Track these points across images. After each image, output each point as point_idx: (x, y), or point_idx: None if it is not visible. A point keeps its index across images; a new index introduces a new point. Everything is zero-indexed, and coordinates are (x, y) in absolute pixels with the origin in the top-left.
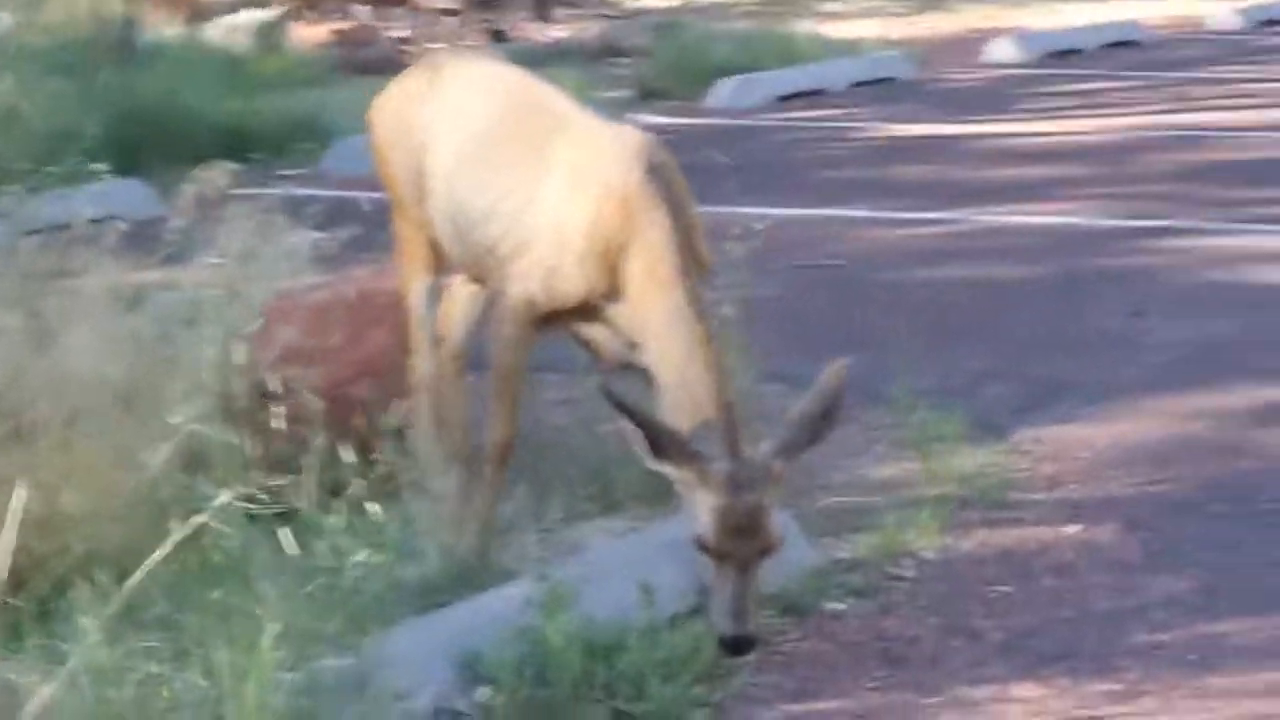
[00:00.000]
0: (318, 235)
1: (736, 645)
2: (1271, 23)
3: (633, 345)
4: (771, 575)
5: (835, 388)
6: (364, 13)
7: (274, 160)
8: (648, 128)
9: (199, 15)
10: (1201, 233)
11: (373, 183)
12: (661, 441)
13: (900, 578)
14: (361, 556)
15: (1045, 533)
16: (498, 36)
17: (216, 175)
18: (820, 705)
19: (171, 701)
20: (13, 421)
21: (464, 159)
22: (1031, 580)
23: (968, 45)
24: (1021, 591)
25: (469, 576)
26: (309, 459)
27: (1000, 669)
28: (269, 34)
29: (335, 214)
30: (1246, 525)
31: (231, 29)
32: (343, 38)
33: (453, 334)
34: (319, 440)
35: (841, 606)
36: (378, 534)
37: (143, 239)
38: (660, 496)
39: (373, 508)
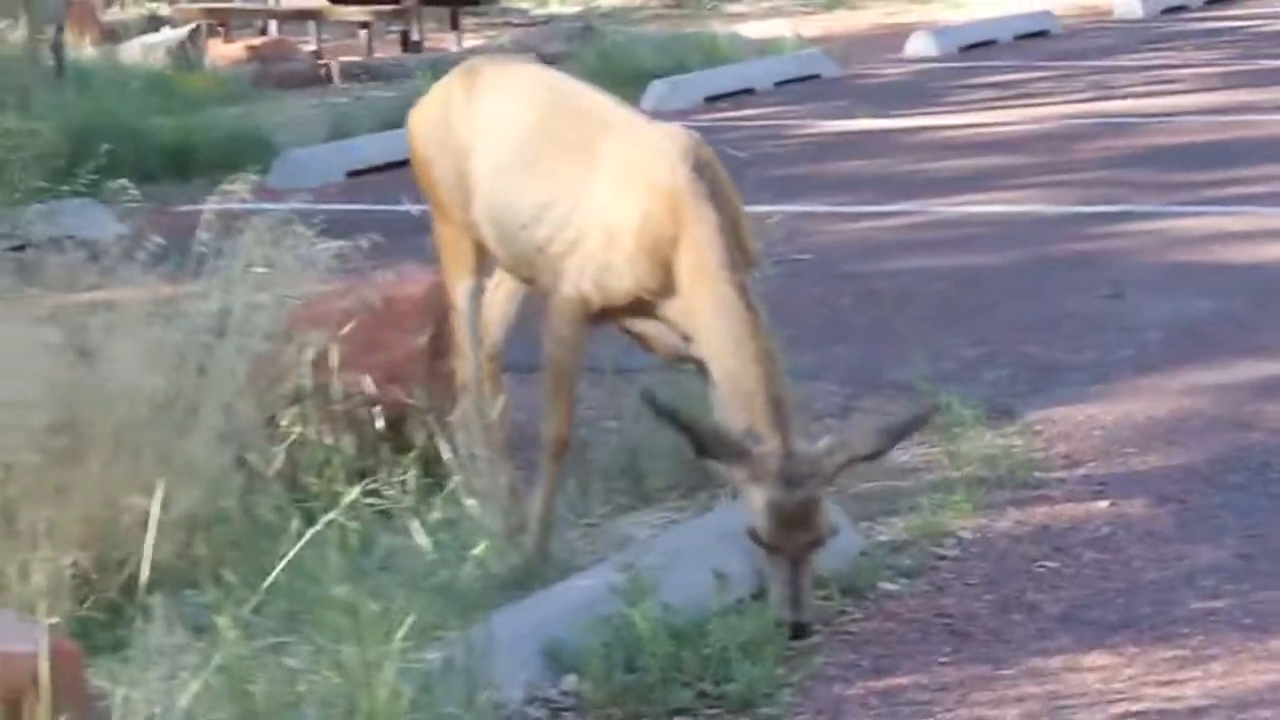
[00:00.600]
0: (337, 244)
1: (795, 631)
2: (1171, 10)
3: (685, 339)
4: (825, 559)
5: (916, 419)
6: (275, 28)
7: (219, 176)
8: None
9: (109, 36)
10: (1158, 216)
11: (323, 194)
12: (707, 442)
13: (944, 557)
14: (479, 549)
15: (1076, 509)
16: (411, 47)
17: (238, 187)
18: (897, 680)
19: (308, 695)
20: (68, 435)
21: (509, 162)
22: (1073, 555)
23: (884, 41)
24: (1067, 566)
25: (529, 571)
26: (408, 457)
27: (1065, 640)
28: (185, 52)
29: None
30: (1268, 496)
31: (147, 48)
32: (259, 53)
33: (490, 335)
34: (418, 435)
35: (895, 587)
36: (456, 529)
37: (117, 256)
38: (693, 488)
39: (470, 503)
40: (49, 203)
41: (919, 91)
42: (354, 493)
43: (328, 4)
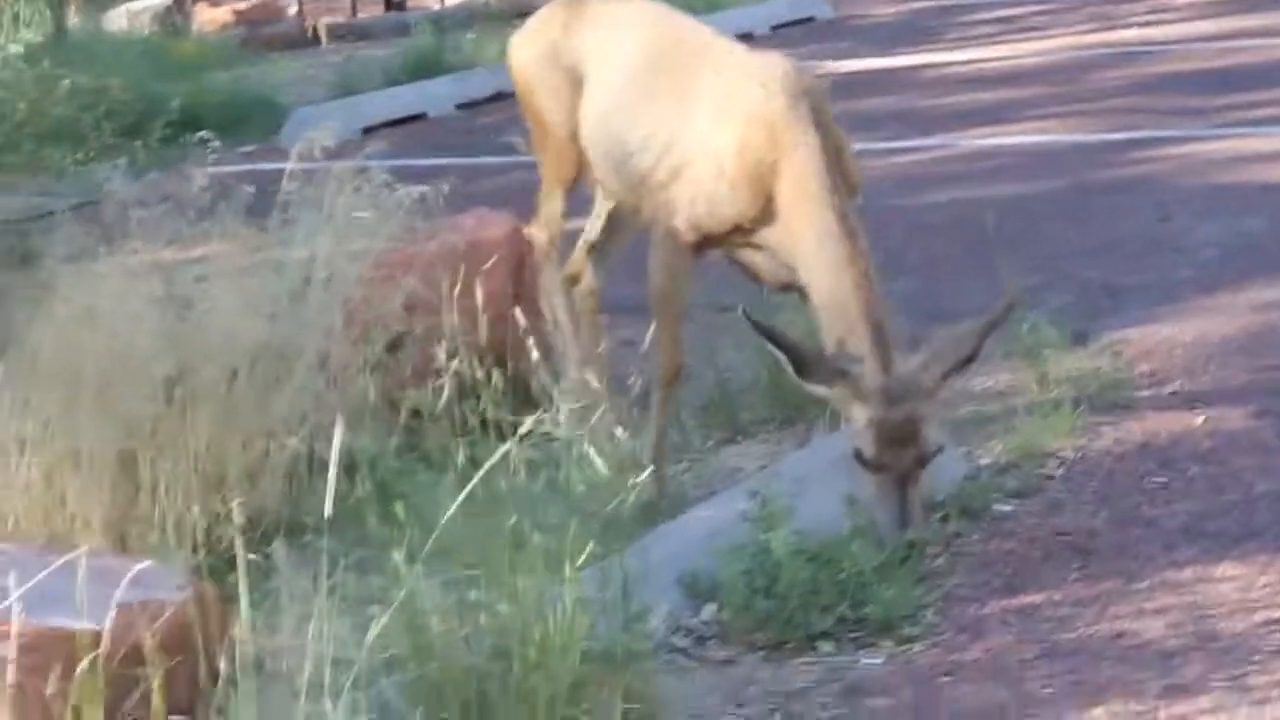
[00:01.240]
0: (417, 190)
1: (909, 550)
2: None
3: (787, 266)
4: (932, 482)
5: (1001, 313)
6: None
7: (231, 138)
8: None
9: (95, 3)
10: (1186, 140)
11: (337, 153)
12: (807, 362)
13: (1051, 477)
14: (641, 478)
15: (1172, 425)
16: (394, 6)
17: (323, 136)
18: (1031, 598)
19: (488, 627)
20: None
21: (617, 91)
22: (1180, 470)
23: None
24: (1176, 480)
25: (650, 503)
26: (559, 391)
27: (1191, 552)
28: (172, 17)
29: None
30: None
31: (133, 14)
32: (246, 17)
33: (585, 272)
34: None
35: (1009, 507)
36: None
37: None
38: (786, 420)
39: (620, 431)
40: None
41: (918, 29)
42: (529, 423)
43: None
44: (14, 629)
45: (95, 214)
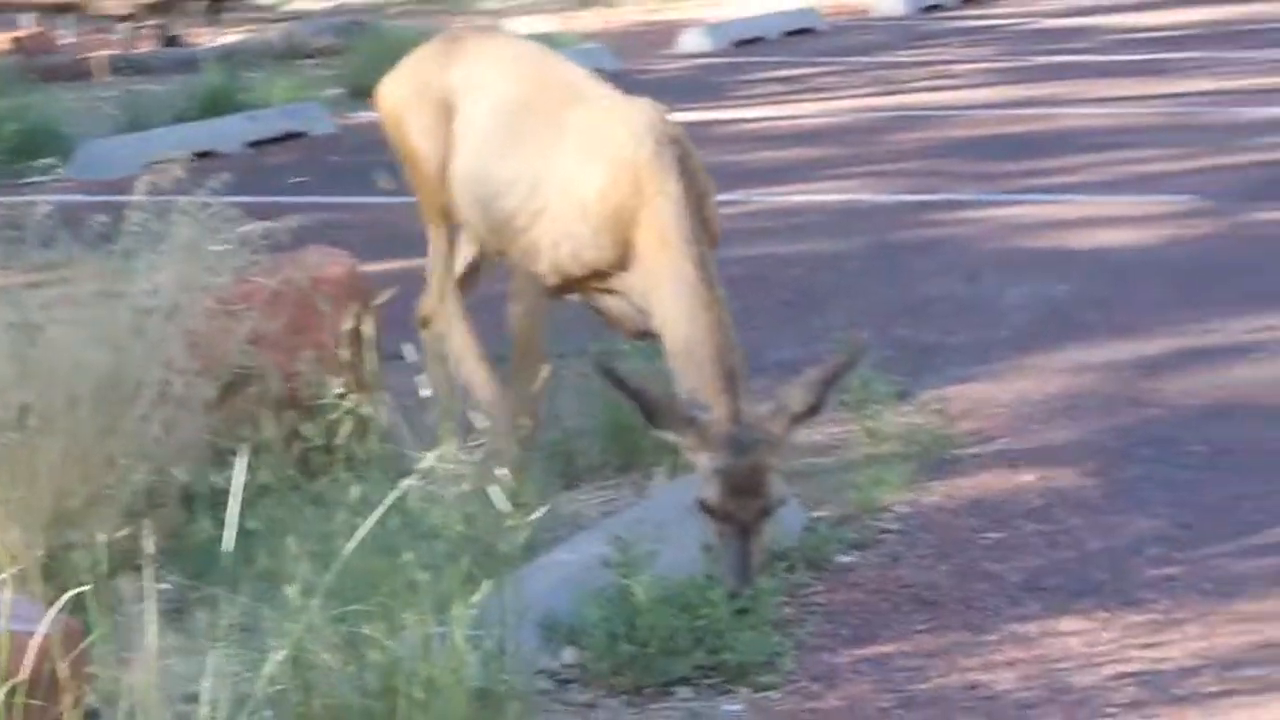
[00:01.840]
0: (265, 225)
1: (748, 602)
2: (929, 8)
3: (644, 313)
4: (777, 532)
5: (847, 362)
6: (31, 20)
7: (16, 168)
8: (372, 126)
9: None
10: (984, 204)
11: (121, 187)
12: (656, 410)
13: (888, 530)
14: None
15: (1001, 482)
16: (171, 42)
17: (173, 169)
18: (881, 648)
19: (375, 665)
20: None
21: (484, 131)
22: (1014, 526)
23: (653, 37)
24: (1011, 536)
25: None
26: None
27: (1035, 607)
28: None
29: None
30: (1184, 468)
31: None
32: (22, 46)
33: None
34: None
35: (850, 559)
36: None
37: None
38: (623, 466)
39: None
40: None
41: (704, 86)
42: (430, 458)
43: None
44: None
45: None
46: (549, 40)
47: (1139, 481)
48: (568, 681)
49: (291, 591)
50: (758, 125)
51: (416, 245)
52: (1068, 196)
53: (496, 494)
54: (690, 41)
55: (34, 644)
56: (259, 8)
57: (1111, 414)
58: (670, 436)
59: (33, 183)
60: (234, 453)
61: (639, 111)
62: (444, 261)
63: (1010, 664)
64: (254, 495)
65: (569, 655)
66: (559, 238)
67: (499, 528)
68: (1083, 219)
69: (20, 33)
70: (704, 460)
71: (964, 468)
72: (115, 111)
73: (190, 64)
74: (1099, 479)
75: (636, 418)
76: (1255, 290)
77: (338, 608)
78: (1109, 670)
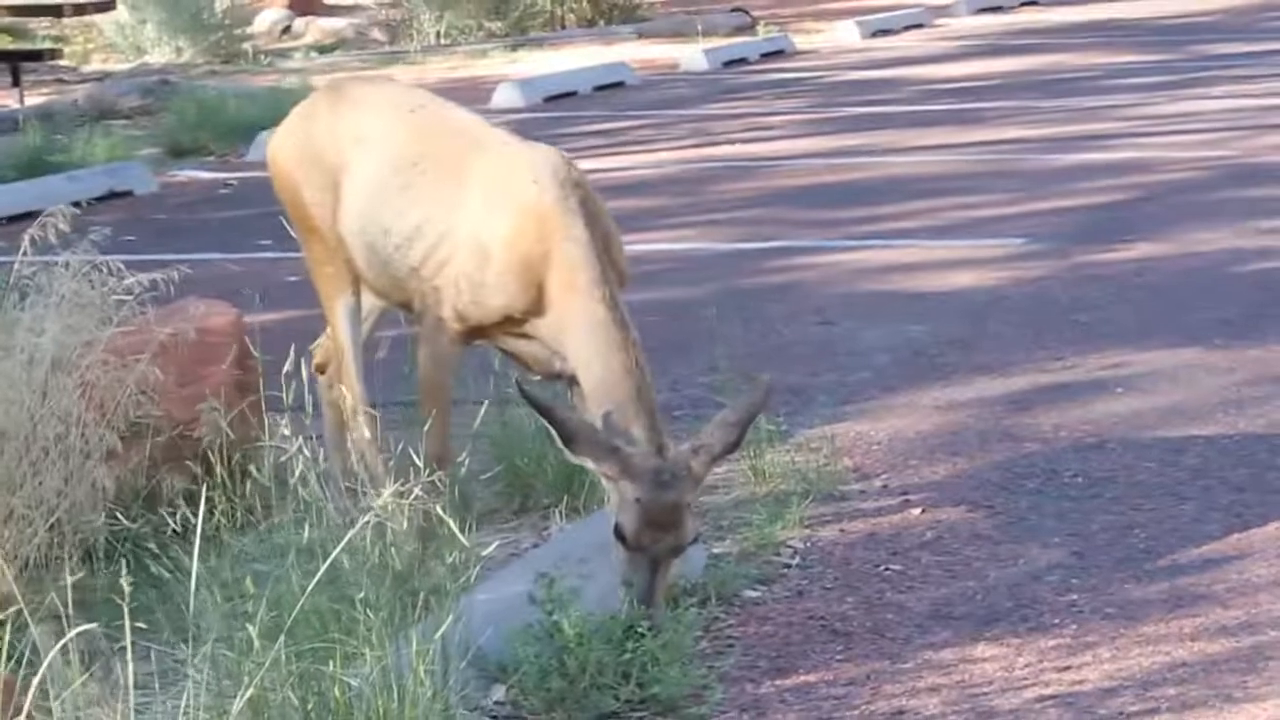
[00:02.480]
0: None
1: (650, 631)
2: (732, 63)
3: (557, 355)
4: (686, 567)
5: (759, 400)
6: None
7: None
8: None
9: None
10: (826, 250)
11: None
12: (578, 436)
13: (788, 565)
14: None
15: (892, 518)
16: None
17: (58, 219)
18: (803, 678)
19: (343, 700)
20: None
21: (381, 182)
22: (912, 558)
23: (465, 94)
24: (911, 568)
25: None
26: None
27: (945, 635)
28: None
29: None
30: (1069, 499)
31: None
32: None
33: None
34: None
35: (756, 593)
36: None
37: None
38: (519, 510)
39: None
40: None
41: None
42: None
43: None
44: None
45: None
46: None
47: (1027, 513)
48: (500, 718)
49: (252, 631)
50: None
51: (256, 299)
52: (905, 242)
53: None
54: (502, 97)
55: None
56: (58, 69)
57: (988, 449)
58: (588, 464)
59: None
60: (136, 502)
61: (541, 157)
62: (350, 344)
63: (933, 690)
64: (162, 544)
65: (498, 692)
66: (466, 287)
67: (421, 568)
68: (924, 263)
69: None
70: (625, 489)
71: (852, 503)
72: None
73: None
74: (987, 511)
75: (557, 443)
76: (1099, 329)
77: (290, 647)
78: (1030, 693)
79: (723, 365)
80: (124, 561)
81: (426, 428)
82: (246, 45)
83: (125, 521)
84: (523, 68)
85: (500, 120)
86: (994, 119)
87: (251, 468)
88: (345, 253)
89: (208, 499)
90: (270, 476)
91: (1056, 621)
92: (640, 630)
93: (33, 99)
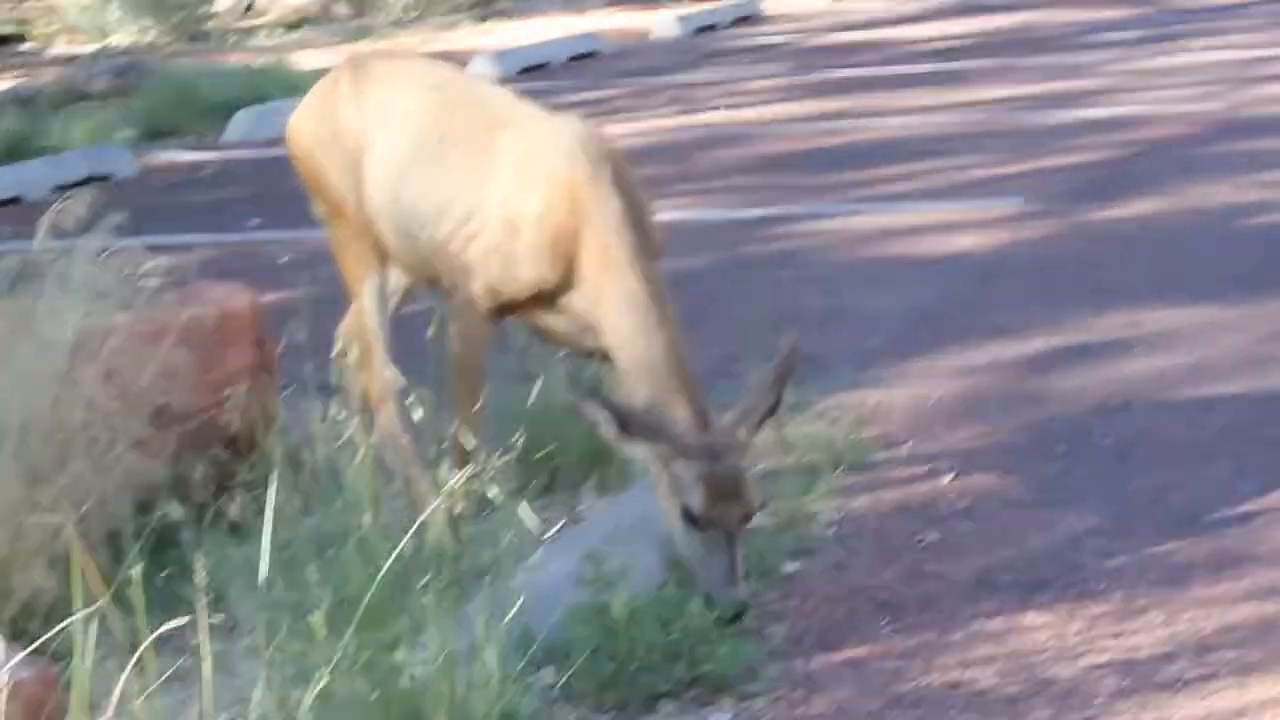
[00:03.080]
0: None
1: (738, 611)
2: (703, 29)
3: (590, 331)
4: None
5: (789, 359)
6: None
7: None
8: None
9: None
10: (824, 216)
11: None
12: (632, 420)
13: (823, 538)
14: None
15: (922, 486)
16: None
17: (75, 205)
18: (853, 652)
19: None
20: None
21: (407, 159)
22: (949, 527)
23: None
24: (949, 537)
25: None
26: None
27: (992, 604)
28: None
29: None
30: (1100, 462)
31: None
32: None
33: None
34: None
35: (795, 567)
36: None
37: None
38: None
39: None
40: None
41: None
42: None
43: None
44: None
45: None
46: None
47: (1059, 477)
48: (553, 701)
49: (316, 621)
50: None
51: (249, 281)
52: (903, 205)
53: (525, 511)
54: (477, 71)
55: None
56: (22, 53)
57: (1012, 413)
58: (642, 448)
59: None
60: (164, 491)
61: (570, 130)
62: (378, 327)
63: (987, 661)
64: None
65: (548, 674)
66: (496, 262)
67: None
68: (924, 226)
69: None
70: (683, 469)
71: (881, 472)
72: None
73: None
74: (1018, 477)
75: (608, 430)
76: (1108, 287)
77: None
78: (1085, 661)
79: (733, 336)
80: (162, 552)
81: (457, 409)
82: (210, 24)
83: (179, 511)
84: (493, 40)
85: None
86: (976, 79)
87: (304, 455)
88: (373, 232)
89: (244, 485)
90: (301, 462)
91: (1103, 587)
92: (689, 610)
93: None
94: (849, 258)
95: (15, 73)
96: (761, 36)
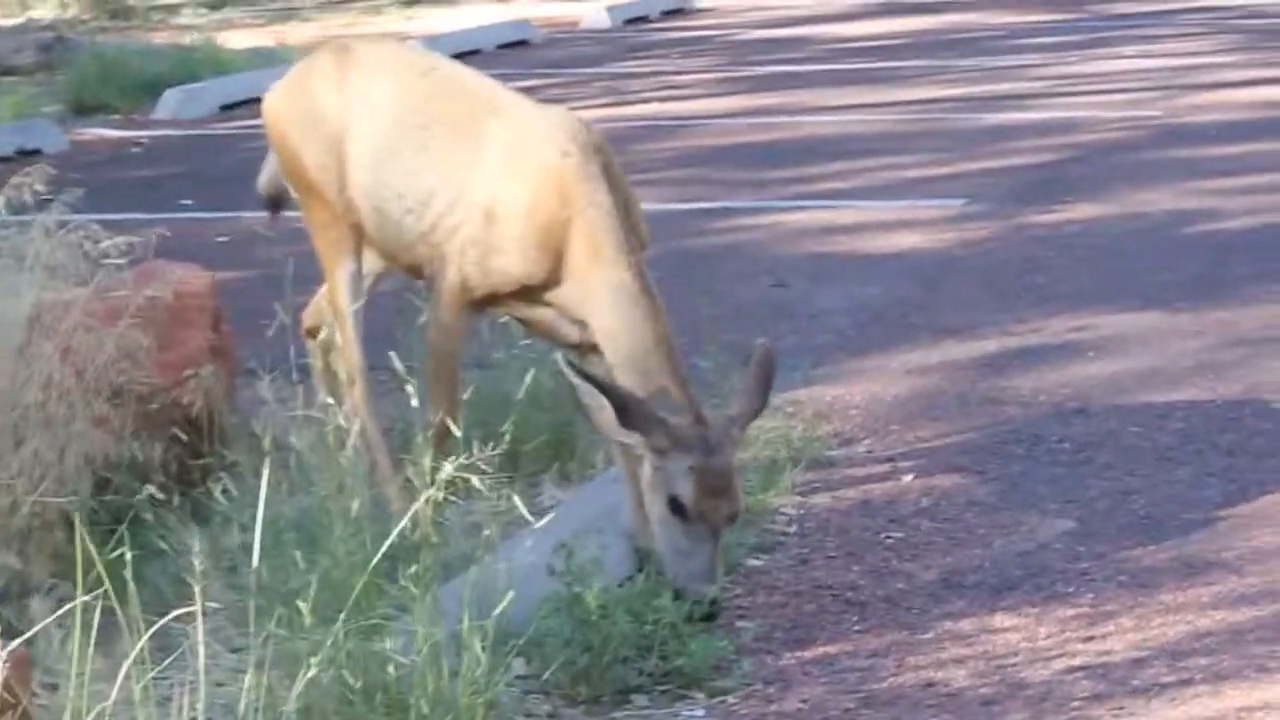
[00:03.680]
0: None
1: (711, 609)
2: (633, 20)
3: (578, 324)
4: None
5: (768, 362)
6: None
7: None
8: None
9: None
10: (766, 211)
11: None
12: (629, 410)
13: (785, 533)
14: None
15: (883, 484)
16: None
17: (34, 178)
18: (824, 650)
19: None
20: None
21: (391, 145)
22: (912, 526)
23: None
24: (913, 536)
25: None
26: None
27: (961, 604)
28: None
29: None
30: (1059, 465)
31: None
32: None
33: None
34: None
35: (759, 562)
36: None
37: None
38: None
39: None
40: None
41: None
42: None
43: None
44: None
45: None
46: (265, 57)
47: (1020, 479)
48: (526, 693)
49: (304, 608)
50: None
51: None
52: (842, 203)
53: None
54: None
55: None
56: None
57: (968, 414)
58: (635, 438)
59: None
60: (121, 470)
61: (559, 120)
62: (351, 312)
63: (958, 661)
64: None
65: (519, 666)
66: (479, 253)
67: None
68: (864, 224)
69: None
70: (674, 460)
71: (840, 469)
72: None
73: None
74: (979, 477)
75: (602, 418)
76: (1056, 291)
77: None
78: (1058, 664)
79: (683, 330)
80: (121, 533)
81: (432, 397)
82: (133, 1)
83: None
84: (419, 24)
85: None
86: (909, 78)
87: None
88: (353, 216)
89: (204, 467)
90: (268, 444)
91: (1071, 590)
92: (660, 604)
93: None
94: (793, 253)
95: None
96: (693, 30)
